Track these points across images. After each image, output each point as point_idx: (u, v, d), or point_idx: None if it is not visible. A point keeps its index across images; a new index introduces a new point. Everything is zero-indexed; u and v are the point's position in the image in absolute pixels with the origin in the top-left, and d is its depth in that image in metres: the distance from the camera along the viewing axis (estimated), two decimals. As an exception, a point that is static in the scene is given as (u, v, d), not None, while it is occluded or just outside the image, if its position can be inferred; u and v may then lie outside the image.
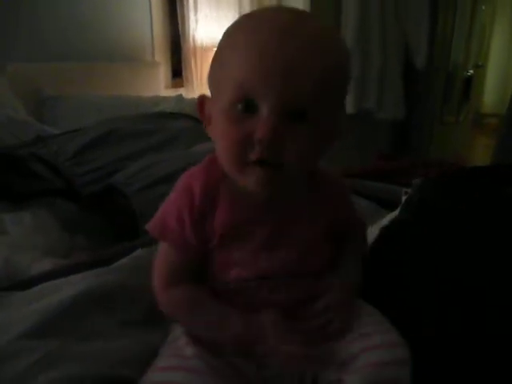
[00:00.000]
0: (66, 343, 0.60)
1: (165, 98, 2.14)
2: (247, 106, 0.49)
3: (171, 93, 2.52)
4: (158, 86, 2.61)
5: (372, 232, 0.75)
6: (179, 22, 2.67)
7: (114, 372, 0.58)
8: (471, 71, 3.67)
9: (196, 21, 2.66)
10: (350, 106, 2.31)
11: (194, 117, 1.61)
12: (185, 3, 2.64)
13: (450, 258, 0.69)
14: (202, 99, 0.57)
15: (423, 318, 0.61)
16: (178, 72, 2.82)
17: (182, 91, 2.56)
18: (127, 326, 0.66)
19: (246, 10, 2.47)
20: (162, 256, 0.58)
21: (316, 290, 0.58)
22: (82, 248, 0.97)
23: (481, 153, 3.66)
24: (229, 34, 0.53)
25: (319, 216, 0.58)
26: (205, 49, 2.70)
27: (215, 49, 0.55)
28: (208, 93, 0.57)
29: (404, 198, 0.94)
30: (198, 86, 2.73)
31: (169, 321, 0.61)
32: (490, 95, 4.72)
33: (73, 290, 0.66)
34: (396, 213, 0.83)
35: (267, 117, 0.48)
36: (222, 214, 0.54)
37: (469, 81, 3.69)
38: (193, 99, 2.07)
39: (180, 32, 2.69)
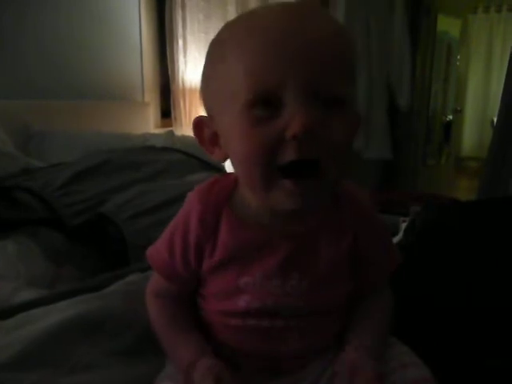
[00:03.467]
0: (49, 375, 0.55)
1: (154, 135, 2.15)
2: (268, 104, 0.42)
3: (161, 132, 2.53)
4: (147, 125, 2.62)
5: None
6: (169, 63, 2.73)
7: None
8: (450, 116, 3.82)
9: (185, 63, 2.72)
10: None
11: (184, 151, 1.60)
12: (174, 45, 2.71)
13: (453, 283, 0.67)
14: (199, 121, 0.51)
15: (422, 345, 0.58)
16: (167, 112, 2.85)
17: (170, 131, 2.57)
18: (116, 356, 0.61)
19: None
20: (155, 277, 0.57)
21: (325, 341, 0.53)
22: (68, 279, 0.92)
23: (462, 194, 3.73)
24: (230, 29, 0.47)
25: (338, 242, 0.51)
26: (194, 90, 2.75)
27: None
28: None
29: (403, 225, 0.93)
30: (187, 125, 2.75)
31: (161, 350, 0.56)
32: (468, 139, 4.89)
33: (58, 317, 0.61)
34: (399, 237, 0.81)
35: (297, 107, 0.42)
36: (224, 239, 0.49)
37: (448, 125, 3.83)
38: (182, 136, 2.08)
39: (170, 73, 2.75)
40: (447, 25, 3.42)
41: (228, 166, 1.50)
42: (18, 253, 0.93)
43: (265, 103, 0.42)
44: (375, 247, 0.54)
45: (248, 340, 0.51)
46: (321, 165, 0.43)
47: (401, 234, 0.81)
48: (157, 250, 0.53)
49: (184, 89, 2.77)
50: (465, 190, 3.93)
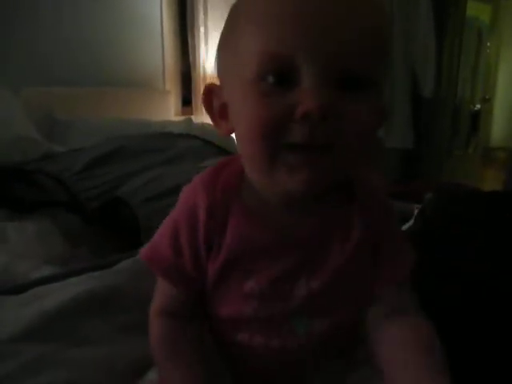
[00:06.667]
0: (57, 348, 0.57)
1: (174, 122, 2.16)
2: (281, 77, 0.37)
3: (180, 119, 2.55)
4: (167, 113, 2.64)
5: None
6: (190, 51, 2.74)
7: (102, 382, 0.55)
8: (478, 105, 3.70)
9: (206, 50, 2.73)
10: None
11: (201, 138, 1.61)
12: (196, 34, 2.71)
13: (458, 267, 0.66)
14: (210, 88, 0.46)
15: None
16: (187, 100, 2.87)
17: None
18: (123, 332, 0.63)
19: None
20: (159, 284, 0.49)
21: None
22: (83, 259, 0.94)
23: (490, 185, 3.63)
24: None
25: (358, 240, 0.46)
26: (215, 78, 2.75)
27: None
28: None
29: (416, 212, 0.92)
30: (207, 113, 2.76)
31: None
32: (497, 129, 4.73)
33: (67, 294, 0.63)
34: (410, 223, 0.80)
35: (313, 83, 0.36)
36: (229, 238, 0.44)
37: (477, 115, 3.72)
38: (201, 123, 2.09)
39: (191, 61, 2.75)
40: (477, 10, 3.29)
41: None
42: (37, 234, 0.96)
43: (277, 75, 0.37)
44: (387, 246, 0.48)
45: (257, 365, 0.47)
46: (334, 149, 0.38)
47: (412, 221, 0.80)
48: (156, 250, 0.47)
49: (205, 76, 2.78)
50: (492, 181, 3.81)
